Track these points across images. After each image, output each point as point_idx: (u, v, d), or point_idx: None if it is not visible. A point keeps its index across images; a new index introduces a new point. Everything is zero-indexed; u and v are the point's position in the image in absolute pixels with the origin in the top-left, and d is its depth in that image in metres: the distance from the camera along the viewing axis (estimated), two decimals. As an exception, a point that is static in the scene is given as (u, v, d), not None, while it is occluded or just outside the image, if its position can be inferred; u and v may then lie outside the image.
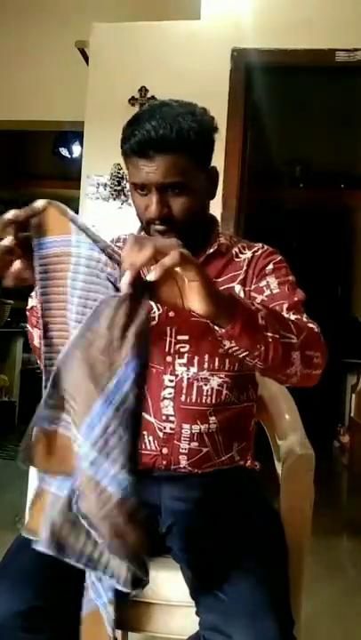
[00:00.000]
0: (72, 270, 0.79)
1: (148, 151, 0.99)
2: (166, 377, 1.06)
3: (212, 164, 1.10)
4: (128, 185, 1.17)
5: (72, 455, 0.78)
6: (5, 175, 5.21)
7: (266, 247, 1.14)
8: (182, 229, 1.01)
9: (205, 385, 1.05)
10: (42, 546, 0.79)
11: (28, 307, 1.04)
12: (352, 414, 4.49)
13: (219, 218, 2.69)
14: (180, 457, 1.05)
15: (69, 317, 0.81)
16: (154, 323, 1.06)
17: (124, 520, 0.72)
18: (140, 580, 0.76)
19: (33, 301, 1.00)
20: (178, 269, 0.74)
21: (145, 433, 1.06)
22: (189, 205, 1.02)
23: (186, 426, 1.05)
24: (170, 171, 1.00)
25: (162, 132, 0.98)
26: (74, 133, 3.79)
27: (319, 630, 1.80)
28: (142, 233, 1.13)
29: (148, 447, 1.06)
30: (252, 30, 2.69)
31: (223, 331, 0.81)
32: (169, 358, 1.06)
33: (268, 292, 1.05)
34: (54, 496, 0.80)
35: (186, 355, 1.05)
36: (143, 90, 2.76)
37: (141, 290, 0.75)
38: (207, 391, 1.06)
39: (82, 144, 2.90)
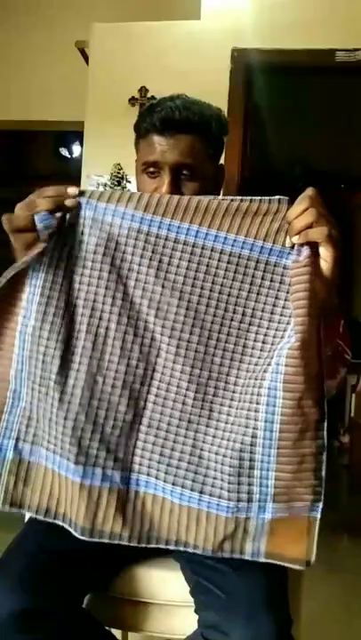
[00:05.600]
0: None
1: (168, 128, 0.99)
2: None
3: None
4: (134, 169, 1.10)
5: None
6: (5, 175, 5.20)
7: None
8: None
9: None
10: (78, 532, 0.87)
11: None
12: (352, 414, 4.48)
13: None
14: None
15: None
16: None
17: None
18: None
19: None
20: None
21: None
22: (198, 193, 1.00)
23: None
24: (187, 151, 1.00)
25: (185, 113, 1.00)
26: (74, 133, 3.78)
27: (319, 631, 1.80)
28: None
29: None
30: (252, 30, 2.69)
31: None
32: None
33: None
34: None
35: None
36: (143, 90, 2.76)
37: None
38: None
39: (82, 144, 2.89)
